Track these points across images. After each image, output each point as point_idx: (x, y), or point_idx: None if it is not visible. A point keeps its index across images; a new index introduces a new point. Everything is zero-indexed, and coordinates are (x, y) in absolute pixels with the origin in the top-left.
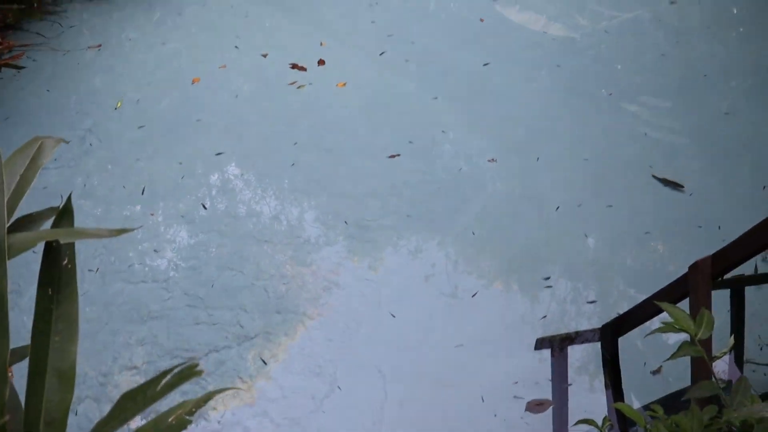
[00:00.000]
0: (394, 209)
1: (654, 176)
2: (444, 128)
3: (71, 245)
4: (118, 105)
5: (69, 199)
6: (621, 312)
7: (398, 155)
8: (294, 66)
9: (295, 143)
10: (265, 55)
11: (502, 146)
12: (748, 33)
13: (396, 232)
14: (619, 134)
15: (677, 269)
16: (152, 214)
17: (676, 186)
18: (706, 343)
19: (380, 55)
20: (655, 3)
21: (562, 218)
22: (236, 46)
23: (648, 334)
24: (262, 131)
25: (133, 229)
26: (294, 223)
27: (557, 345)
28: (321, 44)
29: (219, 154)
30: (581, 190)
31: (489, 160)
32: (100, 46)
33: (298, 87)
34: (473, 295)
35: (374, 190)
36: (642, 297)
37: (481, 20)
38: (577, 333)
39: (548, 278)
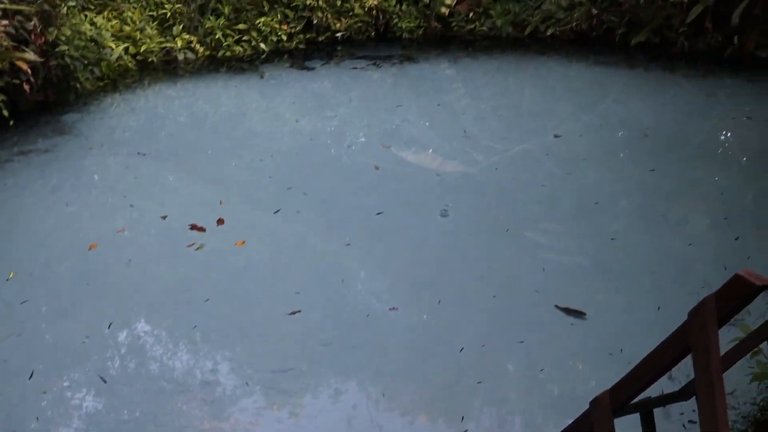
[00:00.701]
0: (309, 355)
1: (556, 306)
2: (347, 276)
3: None
4: (11, 276)
5: None
6: None
7: (299, 311)
8: (193, 227)
9: (207, 300)
10: (164, 217)
11: (406, 290)
12: (631, 156)
13: (314, 377)
14: (521, 264)
15: (588, 395)
16: (44, 392)
17: (578, 314)
18: None
19: (276, 212)
20: (542, 136)
21: (472, 357)
22: (133, 208)
23: None
24: (164, 293)
25: None
26: (208, 376)
27: None
28: (220, 203)
29: (112, 324)
30: (488, 326)
31: (390, 309)
32: None
33: (197, 249)
34: None
35: (286, 339)
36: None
37: (376, 167)
38: None
39: (463, 419)
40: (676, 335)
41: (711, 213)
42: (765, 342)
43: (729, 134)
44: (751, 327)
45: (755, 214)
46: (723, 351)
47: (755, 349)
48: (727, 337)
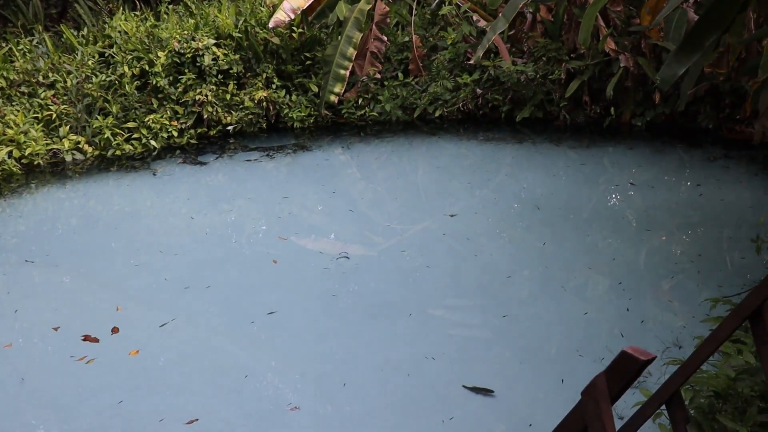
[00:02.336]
0: None
1: (464, 386)
2: (247, 378)
3: None
4: None
5: None
6: None
7: (196, 420)
8: (86, 338)
9: (97, 414)
10: (56, 329)
11: (309, 385)
12: (527, 228)
13: None
14: (426, 344)
15: None
16: None
17: (486, 392)
18: None
19: (172, 317)
20: (439, 215)
21: None
22: (22, 320)
23: None
24: (53, 411)
25: None
26: None
27: None
28: (117, 309)
29: None
30: (396, 414)
31: (291, 409)
32: None
33: (87, 362)
34: None
35: None
36: None
37: (275, 261)
38: None
39: None
40: (574, 414)
41: (607, 277)
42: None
43: (617, 200)
44: (651, 390)
45: (647, 275)
46: (628, 416)
47: (657, 412)
48: (633, 401)
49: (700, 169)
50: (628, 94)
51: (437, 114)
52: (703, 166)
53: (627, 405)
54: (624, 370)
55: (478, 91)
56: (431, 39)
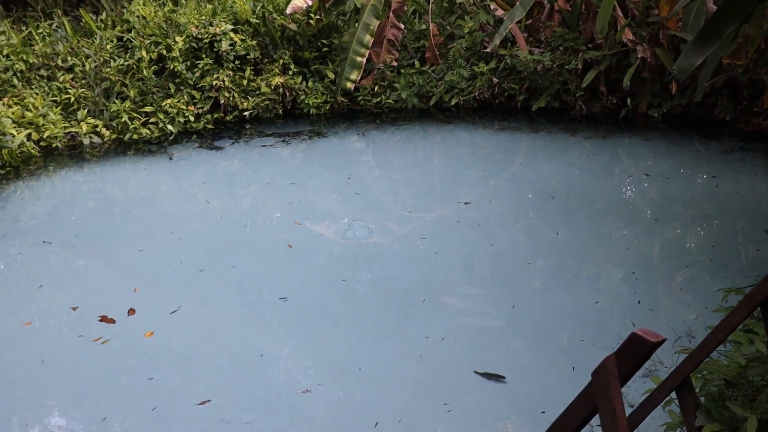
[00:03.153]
0: None
1: (476, 372)
2: (261, 360)
3: None
4: None
5: None
6: None
7: (208, 401)
8: (103, 319)
9: (114, 395)
10: (74, 309)
11: (323, 368)
12: (541, 217)
13: None
14: (439, 331)
15: None
16: None
17: (497, 378)
18: None
19: (188, 298)
20: (451, 203)
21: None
22: (41, 300)
23: None
24: (68, 394)
25: None
26: None
27: None
28: (135, 290)
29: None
30: (408, 399)
31: (303, 392)
32: None
33: (102, 342)
34: None
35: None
36: None
37: (290, 246)
38: None
39: None
40: (584, 396)
41: (620, 267)
42: (675, 392)
43: (632, 191)
44: (661, 378)
45: (660, 266)
46: (638, 403)
47: (667, 399)
48: (643, 389)
49: (716, 161)
50: (645, 85)
51: (453, 102)
52: (720, 158)
53: (637, 393)
54: (634, 351)
55: (495, 80)
56: (448, 27)
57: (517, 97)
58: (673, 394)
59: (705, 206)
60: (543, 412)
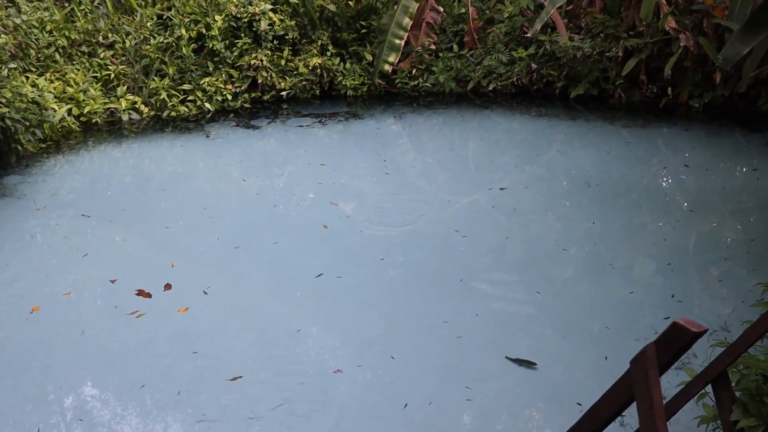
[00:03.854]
0: (262, 426)
1: (507, 357)
2: (293, 339)
3: None
4: None
5: None
6: None
7: (240, 377)
8: (140, 292)
9: (144, 367)
10: (113, 281)
11: (355, 348)
12: (576, 205)
13: None
14: (471, 316)
15: None
16: None
17: (529, 364)
18: None
19: (223, 275)
20: (486, 189)
21: (421, 415)
22: (79, 271)
23: None
24: (105, 362)
25: None
26: None
27: None
28: (172, 266)
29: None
30: (437, 382)
31: (334, 372)
32: None
33: (138, 316)
34: None
35: (229, 408)
36: None
37: (325, 226)
38: None
39: None
40: (621, 384)
41: (655, 259)
42: (710, 385)
43: (669, 181)
44: (696, 371)
45: (696, 258)
46: (671, 396)
47: (701, 392)
48: (676, 382)
49: (757, 154)
50: (687, 75)
51: (491, 87)
52: (761, 150)
53: (669, 385)
54: (674, 341)
55: (533, 65)
56: (488, 11)
57: (555, 83)
58: (708, 388)
59: (744, 199)
60: (573, 400)
